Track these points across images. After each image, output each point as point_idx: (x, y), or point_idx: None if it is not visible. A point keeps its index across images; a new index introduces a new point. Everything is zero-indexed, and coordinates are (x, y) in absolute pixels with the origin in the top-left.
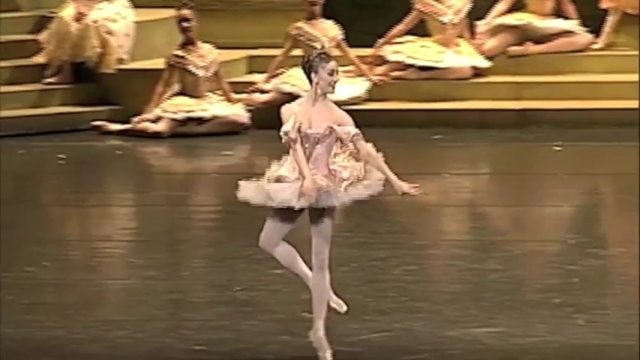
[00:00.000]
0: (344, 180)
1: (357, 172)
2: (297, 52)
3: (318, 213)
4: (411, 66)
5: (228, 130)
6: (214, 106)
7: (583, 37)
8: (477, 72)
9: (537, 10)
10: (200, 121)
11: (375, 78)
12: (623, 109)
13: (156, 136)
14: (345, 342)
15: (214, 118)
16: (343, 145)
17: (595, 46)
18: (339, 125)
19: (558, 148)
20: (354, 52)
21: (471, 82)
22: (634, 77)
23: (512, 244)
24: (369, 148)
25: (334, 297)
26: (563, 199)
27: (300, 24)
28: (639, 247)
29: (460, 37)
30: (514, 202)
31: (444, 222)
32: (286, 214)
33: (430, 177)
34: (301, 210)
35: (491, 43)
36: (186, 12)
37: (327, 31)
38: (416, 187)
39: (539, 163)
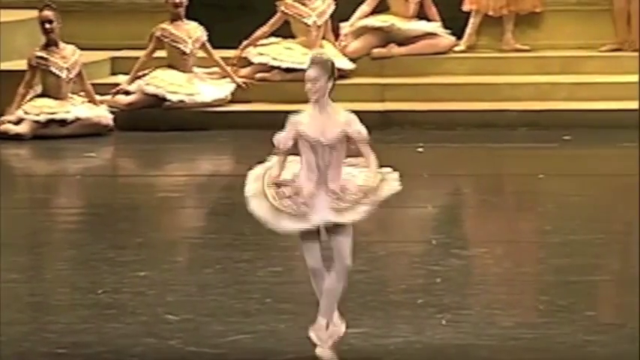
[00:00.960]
0: (353, 194)
1: (367, 185)
2: (162, 53)
3: (336, 228)
4: (275, 68)
5: (92, 132)
6: (77, 108)
7: (445, 39)
8: (341, 73)
9: (400, 13)
10: (63, 122)
11: (239, 80)
12: (484, 110)
13: (17, 137)
14: (210, 344)
15: (77, 119)
16: (352, 143)
17: (457, 48)
18: (350, 127)
19: (421, 150)
20: (218, 54)
21: (335, 83)
22: (495, 79)
23: (376, 245)
24: (371, 154)
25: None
26: (426, 200)
27: (164, 25)
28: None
29: (324, 38)
30: (380, 203)
31: None
32: (312, 231)
33: None
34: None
35: (354, 45)
36: (48, 13)
37: (192, 33)
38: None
39: (403, 164)
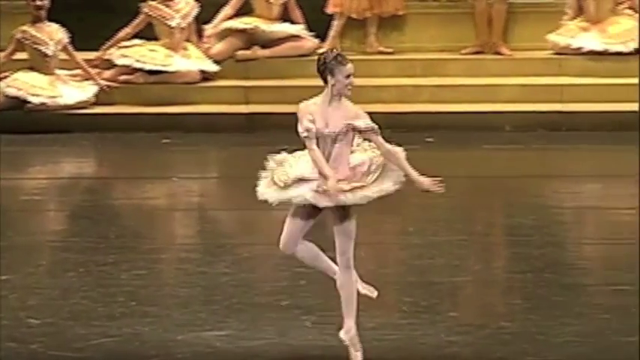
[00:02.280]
0: (366, 174)
1: (377, 163)
2: (23, 55)
3: (341, 212)
4: (139, 70)
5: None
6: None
7: (309, 41)
8: (205, 76)
9: (264, 15)
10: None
11: (102, 82)
12: None
13: None
14: (73, 347)
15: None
16: (363, 137)
17: (321, 51)
18: (357, 121)
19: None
20: (80, 56)
21: (200, 85)
22: (358, 81)
23: (241, 248)
24: (387, 144)
25: (362, 284)
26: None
27: (25, 27)
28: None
29: (188, 41)
30: (243, 205)
31: (173, 226)
32: (307, 212)
33: (159, 181)
34: (322, 208)
35: (218, 47)
36: None
37: (53, 35)
38: (439, 183)
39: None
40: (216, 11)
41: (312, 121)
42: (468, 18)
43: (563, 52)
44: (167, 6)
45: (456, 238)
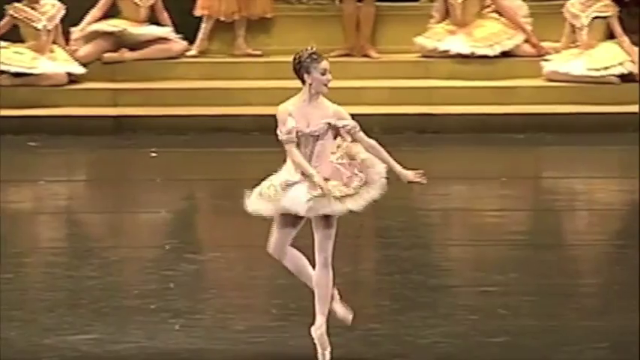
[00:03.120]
0: (351, 179)
1: (358, 166)
2: None
3: (323, 218)
4: (4, 72)
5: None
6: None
7: (177, 44)
8: (72, 78)
9: (132, 17)
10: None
11: None
12: (217, 115)
13: None
14: None
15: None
16: (342, 138)
17: (189, 53)
18: (337, 119)
19: (154, 154)
20: None
21: (67, 88)
22: (227, 84)
23: (108, 251)
24: (370, 140)
25: (340, 306)
26: (160, 205)
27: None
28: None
29: (55, 43)
30: (111, 208)
31: (40, 229)
32: (291, 219)
33: (26, 184)
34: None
35: (85, 50)
36: None
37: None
38: (422, 174)
39: (136, 169)
40: (84, 14)
41: (293, 125)
42: (336, 21)
43: (431, 55)
44: (33, 8)
45: None
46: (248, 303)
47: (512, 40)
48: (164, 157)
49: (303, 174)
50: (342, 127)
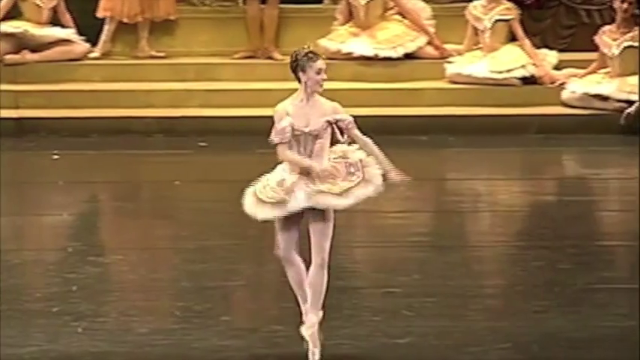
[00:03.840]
0: (349, 175)
1: (355, 164)
2: None
3: (322, 213)
4: None
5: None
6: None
7: (80, 45)
8: None
9: (33, 18)
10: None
11: None
12: (120, 117)
13: None
14: None
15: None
16: (343, 134)
17: (92, 55)
18: (333, 114)
19: (56, 157)
20: None
21: None
22: (130, 86)
23: (10, 254)
24: (364, 137)
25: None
26: (62, 207)
27: None
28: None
29: None
30: (13, 211)
31: None
32: (292, 219)
33: None
34: (302, 213)
35: None
36: None
37: None
38: (404, 176)
39: (38, 171)
40: None
41: (291, 124)
42: (240, 22)
43: (334, 57)
44: None
45: (230, 242)
46: (151, 305)
47: (415, 42)
48: (66, 159)
49: (301, 171)
50: (338, 121)
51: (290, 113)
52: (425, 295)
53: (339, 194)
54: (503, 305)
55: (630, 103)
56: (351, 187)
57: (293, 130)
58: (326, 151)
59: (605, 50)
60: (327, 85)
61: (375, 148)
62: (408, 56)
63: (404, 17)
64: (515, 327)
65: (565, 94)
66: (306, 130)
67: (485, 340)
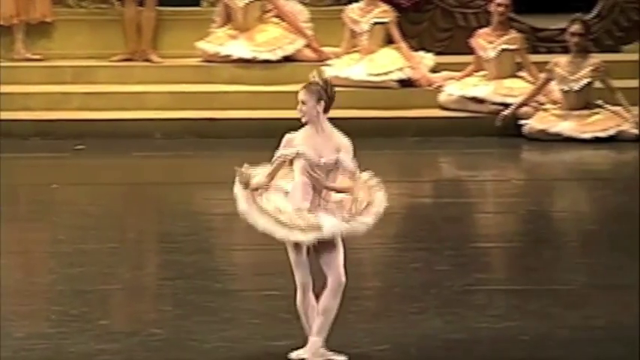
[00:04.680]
0: (354, 208)
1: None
2: None
3: (326, 244)
4: None
5: None
6: None
7: None
8: None
9: None
10: None
11: None
12: None
13: None
14: None
15: None
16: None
17: None
18: (342, 154)
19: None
20: None
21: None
22: (7, 88)
23: None
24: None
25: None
26: None
27: None
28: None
29: None
30: None
31: None
32: (300, 248)
33: None
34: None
35: None
36: None
37: None
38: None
39: None
40: None
41: (299, 153)
42: (117, 25)
43: (212, 59)
44: None
45: (107, 245)
46: (28, 310)
47: (293, 44)
48: None
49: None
50: (343, 166)
51: (302, 143)
52: None
53: (347, 220)
54: (382, 307)
55: (506, 105)
56: (359, 213)
57: (309, 160)
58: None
59: (482, 53)
60: (206, 88)
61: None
62: (287, 59)
63: (282, 20)
64: (393, 328)
65: (442, 97)
66: (321, 162)
67: (364, 342)
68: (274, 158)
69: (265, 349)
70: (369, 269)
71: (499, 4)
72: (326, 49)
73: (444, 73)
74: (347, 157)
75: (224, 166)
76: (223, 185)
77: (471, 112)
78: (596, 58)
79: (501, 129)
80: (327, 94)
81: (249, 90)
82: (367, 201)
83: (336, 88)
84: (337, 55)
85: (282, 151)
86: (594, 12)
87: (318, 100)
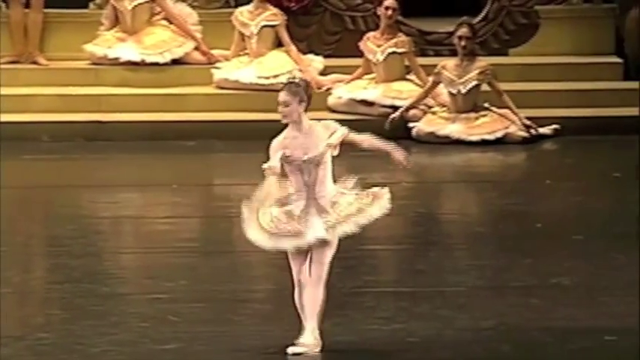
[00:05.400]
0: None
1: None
2: None
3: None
4: None
5: None
6: None
7: None
8: None
9: None
10: None
11: None
12: None
13: None
14: None
15: None
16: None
17: None
18: (331, 134)
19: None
20: None
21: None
22: None
23: None
24: (362, 135)
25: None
26: None
27: None
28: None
29: None
30: None
31: None
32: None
33: None
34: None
35: None
36: None
37: None
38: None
39: None
40: None
41: (287, 156)
42: (4, 27)
43: (101, 62)
44: None
45: None
46: None
47: (182, 47)
48: None
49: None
50: (340, 137)
51: (287, 146)
52: (192, 301)
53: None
54: (272, 310)
55: (395, 108)
56: (355, 213)
57: (291, 159)
58: (329, 178)
59: (370, 56)
60: (94, 90)
61: (377, 142)
62: (176, 62)
63: (171, 23)
64: (283, 331)
65: (331, 100)
66: (306, 158)
67: (253, 345)
68: (265, 172)
69: (153, 352)
70: (260, 272)
71: (387, 8)
72: (215, 52)
73: (333, 76)
74: (337, 133)
75: (112, 169)
76: (111, 188)
77: (360, 115)
78: (483, 61)
79: (390, 131)
80: (307, 94)
81: (137, 93)
82: (358, 207)
83: (226, 91)
84: (226, 58)
85: (269, 163)
86: (481, 15)
87: (300, 101)
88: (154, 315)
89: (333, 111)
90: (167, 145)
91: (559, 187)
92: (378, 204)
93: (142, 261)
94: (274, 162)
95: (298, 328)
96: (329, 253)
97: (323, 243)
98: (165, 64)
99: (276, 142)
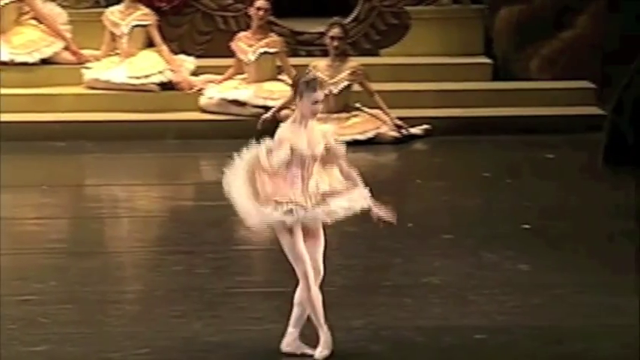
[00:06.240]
0: (330, 194)
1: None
2: None
3: (311, 236)
4: None
5: None
6: None
7: None
8: None
9: None
10: None
11: None
12: None
13: None
14: None
15: None
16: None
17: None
18: (327, 141)
19: None
20: None
21: None
22: None
23: None
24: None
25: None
26: None
27: None
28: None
29: None
30: None
31: None
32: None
33: None
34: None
35: None
36: None
37: None
38: (390, 215)
39: None
40: None
41: (292, 148)
42: None
43: None
44: None
45: None
46: None
47: (51, 47)
48: None
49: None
50: (338, 150)
51: (291, 138)
52: (62, 302)
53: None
54: (142, 310)
55: (267, 108)
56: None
57: (301, 153)
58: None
59: (242, 56)
60: None
61: (359, 180)
62: (45, 61)
63: (40, 22)
64: (153, 332)
65: (203, 100)
66: (309, 152)
67: (124, 346)
68: (274, 163)
69: (23, 354)
70: (130, 273)
71: (259, 8)
72: (85, 52)
73: (205, 77)
74: (334, 142)
75: None
76: None
77: (232, 115)
78: (354, 62)
79: (262, 132)
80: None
81: (6, 93)
82: (338, 191)
83: (96, 92)
84: (97, 58)
85: (278, 154)
86: (352, 16)
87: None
88: (24, 317)
89: (205, 111)
90: (37, 145)
91: (429, 186)
92: (361, 198)
93: (12, 262)
94: (284, 153)
95: (167, 329)
96: (320, 250)
97: (312, 240)
98: (35, 63)
99: (282, 135)
